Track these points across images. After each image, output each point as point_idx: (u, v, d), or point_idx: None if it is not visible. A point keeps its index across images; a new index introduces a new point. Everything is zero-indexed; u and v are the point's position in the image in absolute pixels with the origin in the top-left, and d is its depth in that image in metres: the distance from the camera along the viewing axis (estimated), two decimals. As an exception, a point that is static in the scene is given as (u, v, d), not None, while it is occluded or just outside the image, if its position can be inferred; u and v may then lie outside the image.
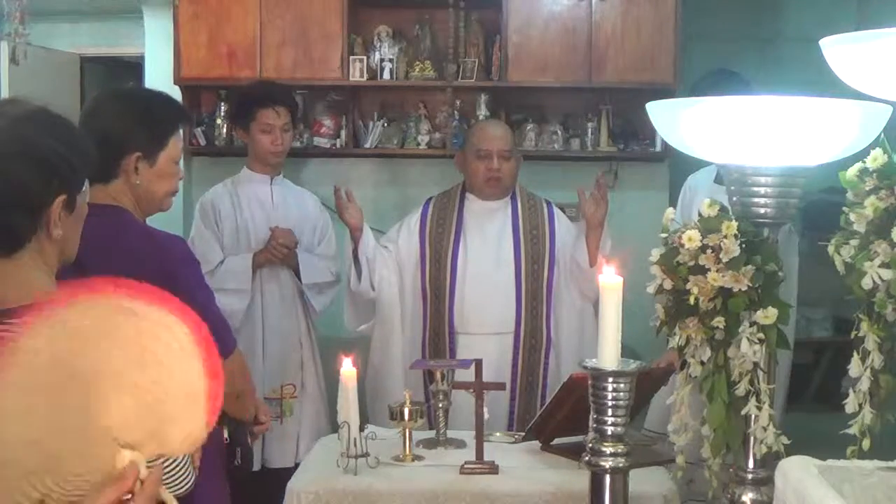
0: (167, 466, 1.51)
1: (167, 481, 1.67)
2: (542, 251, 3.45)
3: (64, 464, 1.20)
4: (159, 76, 5.03)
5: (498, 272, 3.42)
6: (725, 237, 1.96)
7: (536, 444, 2.81)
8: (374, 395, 3.46)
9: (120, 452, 1.21)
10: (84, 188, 1.62)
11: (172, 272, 2.15)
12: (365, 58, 4.84)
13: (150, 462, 1.24)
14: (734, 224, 1.98)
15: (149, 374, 1.23)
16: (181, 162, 2.37)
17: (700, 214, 2.05)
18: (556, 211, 3.55)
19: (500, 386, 2.83)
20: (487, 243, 3.46)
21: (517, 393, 3.38)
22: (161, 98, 2.35)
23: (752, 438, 2.04)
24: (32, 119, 1.60)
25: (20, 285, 1.55)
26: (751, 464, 2.06)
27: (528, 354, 3.40)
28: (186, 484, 1.76)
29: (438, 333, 3.42)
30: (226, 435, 2.33)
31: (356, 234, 3.34)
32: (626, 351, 1.96)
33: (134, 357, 1.22)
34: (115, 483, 1.21)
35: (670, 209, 2.19)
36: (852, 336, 1.92)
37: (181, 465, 1.74)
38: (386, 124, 5.01)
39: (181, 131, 2.33)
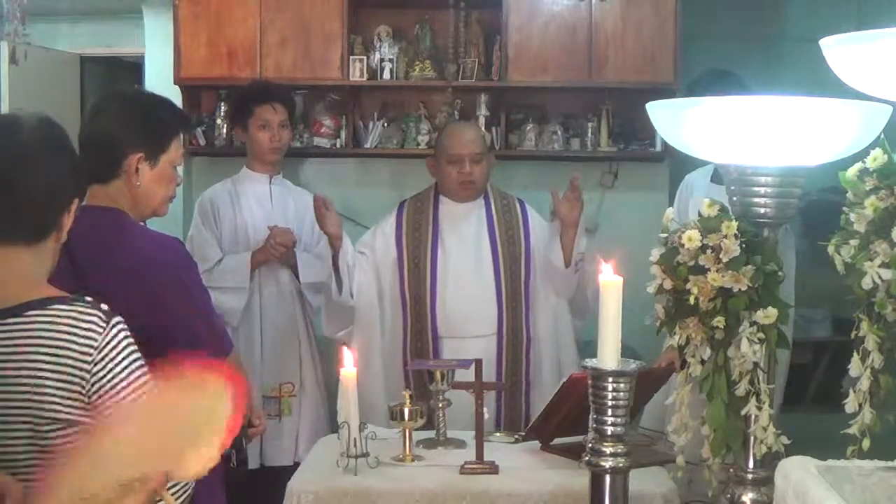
0: None
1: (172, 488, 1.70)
2: (519, 250, 3.45)
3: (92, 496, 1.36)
4: (159, 76, 5.03)
5: (478, 274, 3.42)
6: (725, 237, 1.96)
7: (536, 444, 2.81)
8: None
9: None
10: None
11: (173, 275, 2.16)
12: (365, 58, 4.84)
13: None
14: (734, 224, 1.98)
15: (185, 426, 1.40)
16: (180, 169, 2.38)
17: (700, 214, 2.05)
18: (529, 209, 3.55)
19: (499, 386, 2.83)
20: (465, 246, 3.45)
21: (503, 392, 3.37)
22: (164, 102, 2.37)
23: (752, 438, 2.03)
24: (53, 123, 1.65)
25: (31, 279, 1.59)
26: (751, 464, 2.06)
27: (512, 354, 3.39)
28: (187, 491, 1.77)
29: (421, 338, 3.40)
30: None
31: (336, 242, 3.30)
32: (626, 351, 1.96)
33: (185, 418, 1.40)
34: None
35: (670, 209, 2.19)
36: (852, 336, 1.92)
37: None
38: (386, 124, 5.01)
39: (182, 137, 2.34)
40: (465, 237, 3.47)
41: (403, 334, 3.43)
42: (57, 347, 1.59)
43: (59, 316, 1.61)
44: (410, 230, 3.47)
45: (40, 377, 1.58)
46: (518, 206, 3.53)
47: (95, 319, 1.62)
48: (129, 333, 1.66)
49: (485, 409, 2.68)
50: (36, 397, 1.59)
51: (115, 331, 1.63)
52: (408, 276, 3.43)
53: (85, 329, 1.61)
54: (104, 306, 1.65)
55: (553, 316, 3.47)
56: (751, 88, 3.43)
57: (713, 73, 3.68)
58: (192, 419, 1.36)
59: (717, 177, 3.59)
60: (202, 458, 1.36)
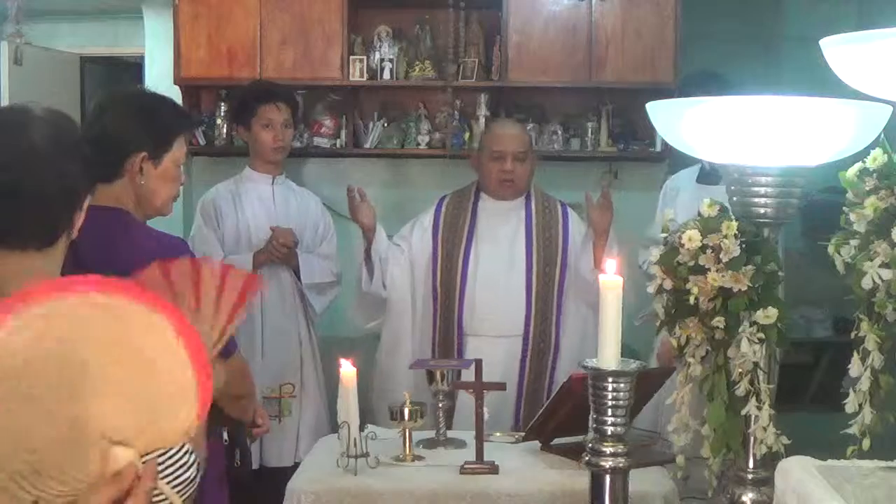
0: (164, 460, 1.51)
1: (167, 474, 1.66)
2: (555, 253, 3.43)
3: (52, 464, 1.19)
4: (159, 76, 5.03)
5: (509, 274, 3.41)
6: (725, 237, 1.96)
7: (536, 444, 2.81)
8: (381, 394, 3.44)
9: (112, 450, 1.20)
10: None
11: None
12: (365, 58, 4.84)
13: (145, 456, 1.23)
14: (734, 224, 1.98)
15: (131, 368, 1.20)
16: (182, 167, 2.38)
17: (700, 214, 2.05)
18: (571, 212, 3.53)
19: (500, 386, 2.83)
20: (500, 245, 3.44)
21: (523, 396, 3.36)
22: (167, 101, 2.37)
23: (752, 438, 2.03)
24: (64, 117, 1.61)
25: (44, 277, 1.56)
26: (751, 464, 2.06)
27: (536, 358, 3.38)
28: (188, 474, 1.75)
29: (447, 335, 3.40)
30: (225, 437, 2.33)
31: (370, 233, 3.33)
32: (626, 351, 1.96)
33: (115, 353, 1.20)
34: (112, 482, 1.21)
35: (670, 210, 2.19)
36: (852, 336, 1.92)
37: (179, 458, 1.73)
38: (386, 124, 5.01)
39: (185, 136, 2.34)
40: (500, 236, 3.46)
41: (433, 329, 3.43)
42: None
43: None
44: (447, 225, 3.47)
45: None
46: (560, 208, 3.52)
47: None
48: None
49: (485, 410, 2.68)
50: None
51: None
52: (440, 271, 3.43)
53: None
54: None
55: (583, 323, 3.44)
56: (741, 89, 3.43)
57: (705, 75, 3.69)
58: (159, 384, 1.24)
59: (704, 177, 3.59)
60: (177, 426, 1.25)
